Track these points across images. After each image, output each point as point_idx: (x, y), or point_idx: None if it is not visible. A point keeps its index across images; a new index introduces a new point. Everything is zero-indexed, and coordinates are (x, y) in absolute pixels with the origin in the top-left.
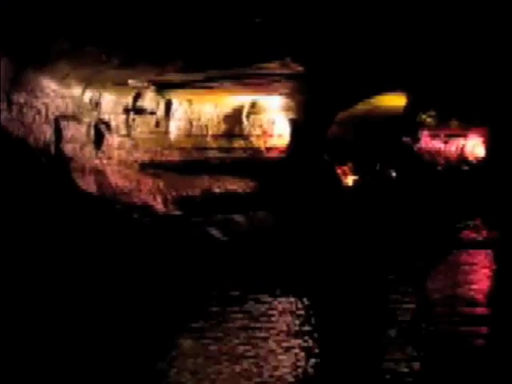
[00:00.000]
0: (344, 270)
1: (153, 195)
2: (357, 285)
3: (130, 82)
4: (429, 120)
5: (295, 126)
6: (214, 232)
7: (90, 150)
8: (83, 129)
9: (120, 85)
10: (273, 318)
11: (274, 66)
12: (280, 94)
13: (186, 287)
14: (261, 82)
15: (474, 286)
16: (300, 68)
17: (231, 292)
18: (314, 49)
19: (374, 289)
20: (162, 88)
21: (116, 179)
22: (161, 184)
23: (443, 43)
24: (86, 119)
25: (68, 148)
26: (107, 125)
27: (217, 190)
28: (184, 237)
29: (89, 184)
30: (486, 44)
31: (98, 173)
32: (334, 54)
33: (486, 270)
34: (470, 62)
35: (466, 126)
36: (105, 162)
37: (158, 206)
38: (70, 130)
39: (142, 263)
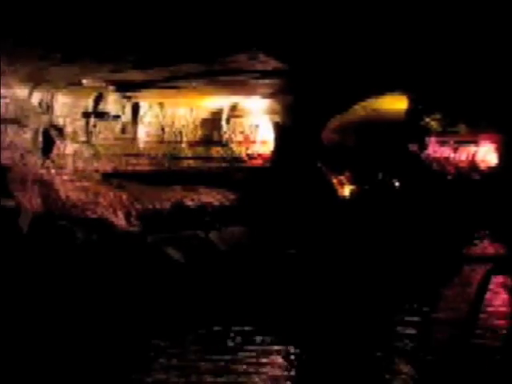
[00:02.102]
0: (338, 299)
1: (113, 209)
2: (354, 321)
3: (84, 81)
4: (434, 124)
5: (280, 130)
6: (172, 252)
7: (35, 158)
8: (28, 134)
9: (74, 85)
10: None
11: (242, 60)
12: (261, 95)
13: (132, 321)
14: (234, 81)
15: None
16: (272, 61)
17: (190, 328)
18: (292, 39)
19: (375, 321)
20: (123, 88)
21: (67, 191)
22: (124, 196)
23: (446, 38)
24: (33, 124)
25: (5, 155)
26: (60, 130)
27: (189, 203)
28: (136, 259)
29: (31, 197)
30: (494, 38)
31: (44, 184)
32: (320, 46)
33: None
34: (477, 58)
35: (476, 130)
36: (53, 171)
37: (119, 221)
38: (9, 135)
39: (84, 292)
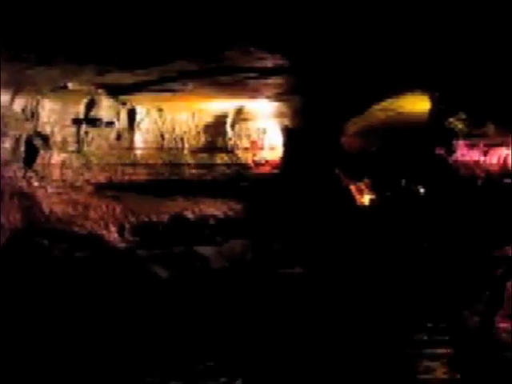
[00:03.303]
0: (356, 328)
1: (104, 223)
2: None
3: (69, 85)
4: (459, 125)
5: (290, 135)
6: (159, 270)
7: (14, 169)
8: (7, 143)
9: (60, 89)
10: None
11: (235, 56)
12: (267, 97)
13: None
14: (233, 81)
15: None
16: (270, 57)
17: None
18: (292, 32)
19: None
20: (115, 92)
21: (52, 205)
22: (118, 209)
23: (465, 32)
24: (14, 132)
25: None
26: (45, 139)
27: (189, 215)
28: (121, 277)
29: (9, 211)
30: None
31: (25, 197)
32: (326, 40)
33: None
34: (502, 50)
35: (506, 131)
36: (36, 183)
37: (111, 235)
38: None
39: (60, 315)
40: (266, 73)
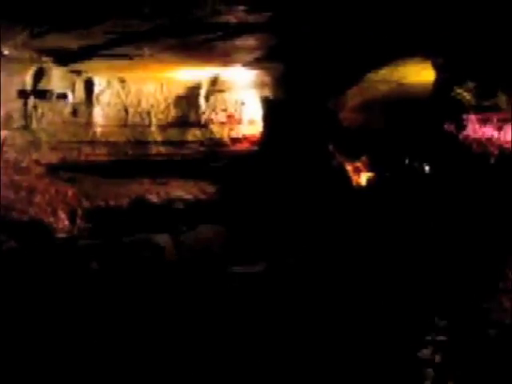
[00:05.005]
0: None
1: (52, 208)
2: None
3: (5, 51)
4: (467, 96)
5: (271, 107)
6: (93, 263)
7: None
8: None
9: None
10: None
11: (186, 10)
12: (244, 64)
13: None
14: (195, 45)
15: None
16: (228, 10)
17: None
18: None
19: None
20: (63, 60)
21: None
22: (70, 192)
23: None
24: None
25: None
26: None
27: (152, 199)
28: (56, 271)
29: None
30: None
31: None
32: None
33: None
34: None
35: None
36: None
37: (60, 223)
38: None
39: None
40: (231, 32)
